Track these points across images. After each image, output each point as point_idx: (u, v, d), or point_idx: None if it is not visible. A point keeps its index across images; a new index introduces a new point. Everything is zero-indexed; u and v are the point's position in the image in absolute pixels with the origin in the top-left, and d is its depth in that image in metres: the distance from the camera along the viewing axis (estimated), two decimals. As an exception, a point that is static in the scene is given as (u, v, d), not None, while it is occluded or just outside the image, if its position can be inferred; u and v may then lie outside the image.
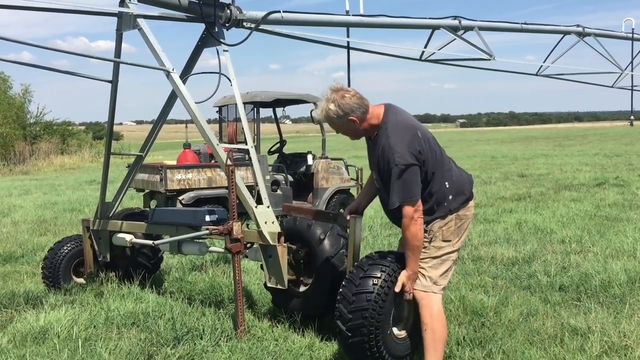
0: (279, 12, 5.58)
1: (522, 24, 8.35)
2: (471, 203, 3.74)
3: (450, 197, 3.61)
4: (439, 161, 3.61)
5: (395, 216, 3.66)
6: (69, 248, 5.74)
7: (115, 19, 4.88)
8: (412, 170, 3.43)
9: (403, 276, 3.53)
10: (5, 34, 4.16)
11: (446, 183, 3.60)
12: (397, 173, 3.41)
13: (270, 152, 10.74)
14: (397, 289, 3.52)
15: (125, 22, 4.80)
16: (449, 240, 3.62)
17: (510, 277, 5.81)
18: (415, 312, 3.68)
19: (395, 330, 3.70)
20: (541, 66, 9.27)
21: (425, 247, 3.59)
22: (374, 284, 3.51)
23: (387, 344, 3.57)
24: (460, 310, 4.74)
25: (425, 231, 3.58)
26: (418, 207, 3.46)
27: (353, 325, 3.50)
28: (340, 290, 3.64)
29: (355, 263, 3.81)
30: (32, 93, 34.10)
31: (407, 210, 3.44)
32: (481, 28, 7.70)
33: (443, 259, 3.61)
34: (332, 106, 3.55)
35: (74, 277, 5.76)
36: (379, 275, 3.54)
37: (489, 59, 7.68)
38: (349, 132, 3.70)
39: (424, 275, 3.58)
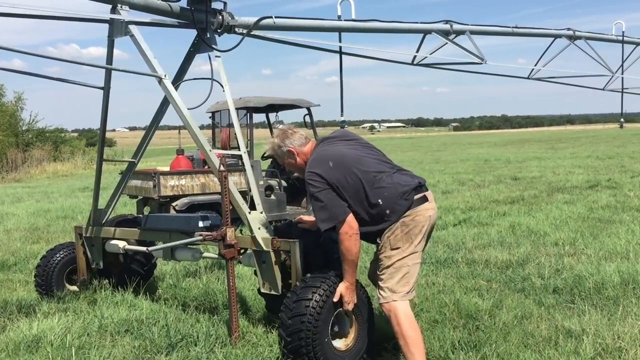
0: (271, 17, 5.59)
1: (513, 27, 8.38)
2: (423, 206, 3.76)
3: (388, 211, 3.70)
4: (367, 181, 3.72)
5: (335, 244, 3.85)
6: (61, 255, 5.71)
7: (106, 25, 4.87)
8: (325, 194, 3.65)
9: (341, 287, 3.76)
10: (-5, 41, 4.15)
11: (379, 200, 3.70)
12: (314, 199, 3.68)
13: (263, 158, 10.71)
14: (335, 298, 3.73)
15: (116, 28, 4.79)
16: (398, 248, 3.69)
17: (505, 280, 5.82)
18: (359, 332, 3.93)
19: (335, 342, 3.86)
20: (532, 69, 9.30)
21: (378, 260, 3.77)
22: (312, 292, 3.73)
23: (324, 352, 3.72)
24: (454, 314, 4.75)
25: (377, 243, 3.78)
26: (349, 224, 3.63)
27: (292, 330, 3.69)
28: (284, 300, 3.85)
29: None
30: (24, 101, 33.99)
31: (339, 229, 3.64)
32: (472, 32, 7.73)
33: (396, 266, 3.68)
34: (275, 140, 4.07)
35: (67, 284, 5.73)
36: (318, 285, 3.77)
37: (481, 63, 7.71)
38: (291, 166, 4.09)
39: (382, 287, 3.71)
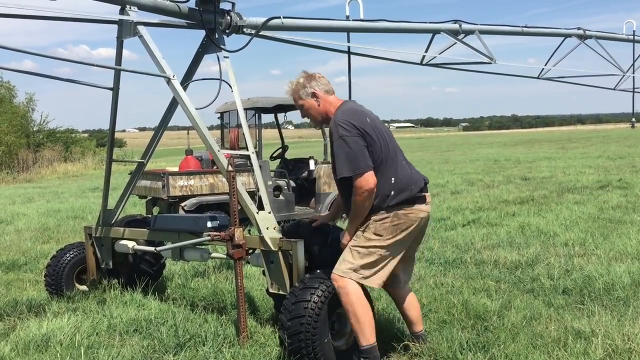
0: (279, 17, 5.59)
1: (522, 27, 8.34)
2: (420, 206, 3.81)
3: (393, 192, 3.69)
4: (387, 153, 3.72)
5: (341, 188, 3.89)
6: (71, 255, 5.74)
7: (116, 26, 4.90)
8: (356, 140, 3.59)
9: (344, 234, 3.85)
10: (7, 42, 4.18)
11: (392, 178, 3.70)
12: (341, 144, 3.60)
13: (272, 158, 10.75)
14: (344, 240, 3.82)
15: (125, 29, 4.81)
16: (380, 235, 3.70)
17: (514, 281, 5.80)
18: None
19: (335, 342, 3.87)
20: (542, 69, 9.25)
21: (356, 236, 3.77)
22: (311, 294, 3.75)
23: (325, 352, 3.73)
24: (463, 314, 4.73)
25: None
26: (367, 179, 3.58)
27: (292, 332, 3.72)
28: (283, 302, 3.89)
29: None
30: (35, 102, 34.26)
31: (357, 180, 3.60)
32: (482, 32, 7.69)
33: (370, 250, 3.71)
34: (300, 80, 3.98)
35: (76, 284, 5.76)
36: (316, 286, 3.79)
37: (490, 63, 7.67)
38: (311, 109, 3.98)
39: (345, 259, 3.74)
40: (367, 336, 3.69)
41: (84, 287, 5.76)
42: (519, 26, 8.34)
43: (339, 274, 3.72)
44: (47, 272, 5.73)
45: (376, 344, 3.75)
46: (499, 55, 7.74)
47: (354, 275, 3.70)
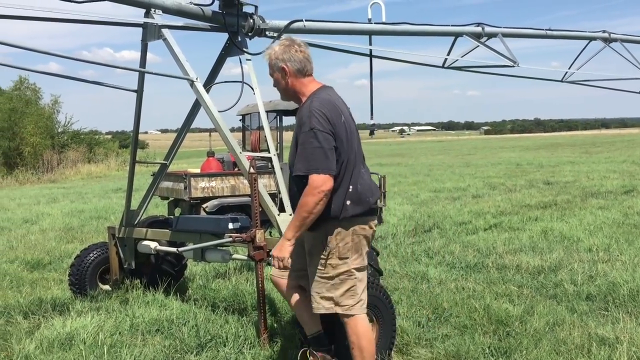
0: (302, 20, 5.62)
1: (546, 30, 8.28)
2: (373, 222, 3.48)
3: (349, 202, 3.31)
4: (349, 158, 3.34)
5: (295, 181, 3.39)
6: (95, 255, 5.81)
7: (140, 29, 4.96)
8: (327, 138, 3.21)
9: (280, 242, 3.32)
10: (32, 45, 4.26)
11: (350, 186, 3.33)
12: (312, 135, 3.21)
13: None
14: (273, 252, 3.33)
15: (150, 32, 4.88)
16: (346, 258, 3.36)
17: (536, 286, 5.73)
18: (380, 333, 3.85)
19: None
20: (566, 72, 9.17)
21: (321, 266, 3.37)
22: None
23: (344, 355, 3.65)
24: (484, 319, 4.69)
25: (323, 247, 3.36)
26: (326, 182, 3.17)
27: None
28: None
29: None
30: (60, 104, 34.75)
31: (314, 179, 3.17)
32: (505, 35, 7.65)
33: (342, 278, 3.37)
34: (276, 48, 3.49)
35: (99, 283, 5.83)
36: None
37: (513, 66, 7.62)
38: (278, 84, 3.55)
39: (324, 296, 3.39)
40: None
41: (107, 287, 5.83)
42: (542, 29, 8.28)
43: (324, 312, 3.42)
44: (71, 272, 5.81)
45: None
46: (521, 58, 7.69)
47: (339, 309, 3.39)
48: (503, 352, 4.04)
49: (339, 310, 3.40)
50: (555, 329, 4.47)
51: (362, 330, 3.43)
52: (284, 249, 3.26)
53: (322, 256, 3.37)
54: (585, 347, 4.08)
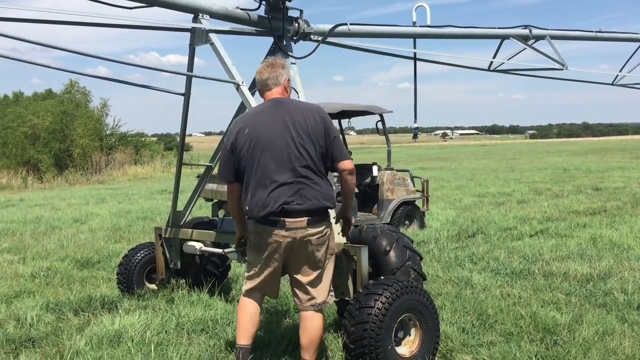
0: (346, 24, 5.63)
1: (596, 32, 8.07)
2: (279, 231, 3.63)
3: (247, 208, 3.70)
4: (249, 169, 3.71)
5: None
6: (142, 255, 5.94)
7: (187, 34, 5.06)
8: (224, 150, 3.81)
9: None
10: (81, 49, 4.40)
11: (249, 194, 3.69)
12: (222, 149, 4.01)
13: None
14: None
15: (198, 37, 4.97)
16: (249, 249, 3.91)
17: (585, 294, 5.59)
18: (424, 339, 3.91)
19: (398, 349, 3.84)
20: (617, 75, 8.91)
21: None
22: (375, 300, 3.73)
23: (388, 359, 3.71)
24: (531, 327, 4.60)
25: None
26: (229, 189, 3.87)
27: (355, 338, 3.72)
28: (347, 307, 3.90)
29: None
30: (109, 107, 35.64)
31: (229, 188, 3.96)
32: (553, 37, 7.50)
33: (248, 263, 3.96)
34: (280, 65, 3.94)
35: (146, 283, 5.96)
36: (380, 292, 3.77)
37: (562, 69, 7.46)
38: None
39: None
40: None
41: (153, 286, 5.95)
42: (592, 31, 8.08)
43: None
44: (119, 271, 5.95)
45: None
46: (568, 61, 7.52)
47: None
48: (550, 361, 3.96)
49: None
50: (604, 339, 4.35)
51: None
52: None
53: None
54: (636, 358, 3.96)
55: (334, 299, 3.94)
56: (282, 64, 3.92)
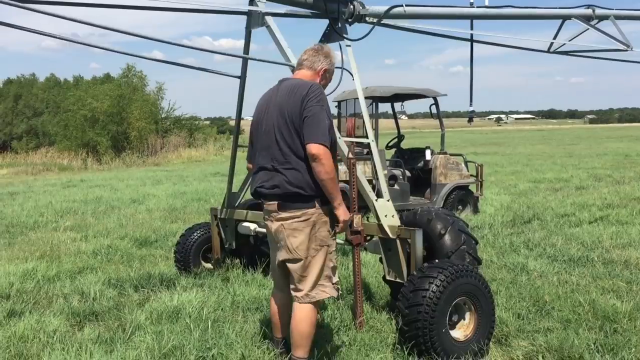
0: (402, 6, 5.55)
1: (665, 10, 7.69)
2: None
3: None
4: (255, 145, 3.79)
5: None
6: (198, 235, 6.09)
7: (240, 17, 5.11)
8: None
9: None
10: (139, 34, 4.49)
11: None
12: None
13: (387, 147, 10.73)
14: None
15: (254, 20, 5.01)
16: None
17: (647, 283, 5.41)
18: (479, 323, 3.86)
19: (453, 332, 3.80)
20: (686, 56, 8.50)
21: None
22: (429, 283, 3.73)
23: (442, 342, 3.68)
24: (589, 314, 4.49)
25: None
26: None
27: (409, 320, 3.72)
28: (401, 290, 3.89)
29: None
30: (164, 91, 36.43)
31: None
32: (617, 17, 7.20)
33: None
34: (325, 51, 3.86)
35: (202, 262, 6.11)
36: (435, 275, 3.76)
37: (627, 50, 7.16)
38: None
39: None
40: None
41: (209, 265, 6.10)
42: (660, 10, 7.70)
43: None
44: (177, 250, 6.12)
45: None
46: (635, 42, 7.22)
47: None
48: (609, 348, 3.86)
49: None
50: (668, 329, 4.21)
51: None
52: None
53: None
54: (702, 350, 3.81)
55: (327, 295, 3.57)
56: (327, 52, 3.81)
